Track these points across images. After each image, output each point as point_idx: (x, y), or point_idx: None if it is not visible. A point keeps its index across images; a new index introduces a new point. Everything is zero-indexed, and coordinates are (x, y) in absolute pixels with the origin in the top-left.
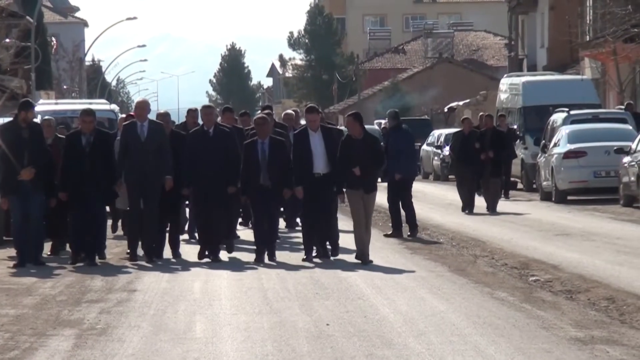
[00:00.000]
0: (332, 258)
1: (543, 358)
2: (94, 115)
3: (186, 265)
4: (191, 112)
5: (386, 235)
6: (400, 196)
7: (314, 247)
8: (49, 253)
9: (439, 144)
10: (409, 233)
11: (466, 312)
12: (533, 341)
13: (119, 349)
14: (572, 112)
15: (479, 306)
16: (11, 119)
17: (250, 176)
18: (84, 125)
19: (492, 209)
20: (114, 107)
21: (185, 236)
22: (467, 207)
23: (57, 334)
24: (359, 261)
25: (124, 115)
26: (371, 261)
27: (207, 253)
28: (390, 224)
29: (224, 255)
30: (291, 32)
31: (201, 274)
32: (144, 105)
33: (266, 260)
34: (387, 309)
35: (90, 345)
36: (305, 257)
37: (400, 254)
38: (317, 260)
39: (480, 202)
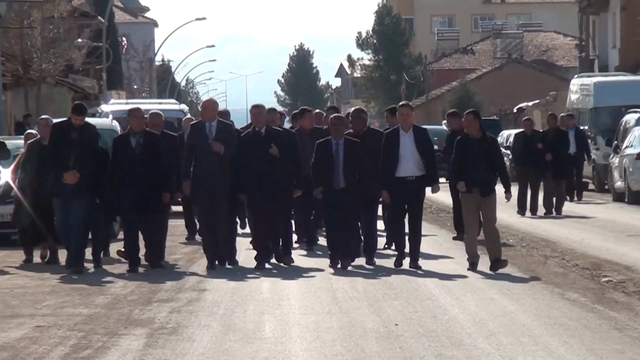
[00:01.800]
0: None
1: (615, 359)
2: (142, 115)
3: (251, 270)
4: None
5: (455, 238)
6: None
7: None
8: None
9: (508, 144)
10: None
11: (536, 313)
12: (605, 342)
13: (189, 348)
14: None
15: (550, 307)
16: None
17: (323, 179)
18: (134, 122)
19: (557, 211)
20: (184, 107)
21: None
22: (522, 209)
23: (128, 333)
24: (470, 271)
25: (189, 116)
26: (505, 261)
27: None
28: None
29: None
30: (359, 33)
31: (269, 275)
32: (211, 105)
33: (340, 266)
34: (456, 310)
35: (161, 344)
36: (396, 263)
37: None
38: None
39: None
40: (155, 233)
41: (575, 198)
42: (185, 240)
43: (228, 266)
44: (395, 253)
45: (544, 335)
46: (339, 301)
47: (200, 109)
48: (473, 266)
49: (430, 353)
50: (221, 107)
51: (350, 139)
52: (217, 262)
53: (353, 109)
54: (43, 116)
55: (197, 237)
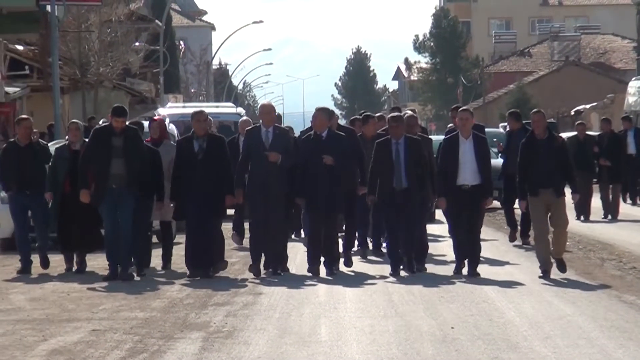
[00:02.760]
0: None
1: None
2: (206, 118)
3: (306, 276)
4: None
5: (512, 240)
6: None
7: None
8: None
9: None
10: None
11: (593, 316)
12: None
13: (245, 352)
14: None
15: (607, 309)
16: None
17: (382, 179)
18: (197, 126)
19: (612, 215)
20: (241, 110)
21: None
22: (580, 213)
23: (184, 337)
24: (543, 280)
25: (244, 118)
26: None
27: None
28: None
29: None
30: (416, 36)
31: (325, 279)
32: (269, 109)
33: (403, 273)
34: (512, 312)
35: (217, 348)
36: (455, 271)
37: (525, 257)
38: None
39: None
40: (216, 238)
41: (629, 201)
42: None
43: (280, 273)
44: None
45: (601, 338)
46: (394, 304)
47: (257, 113)
48: (545, 274)
49: (487, 356)
50: (278, 110)
51: (412, 137)
52: (263, 269)
53: (535, 111)
54: (73, 120)
55: (244, 242)
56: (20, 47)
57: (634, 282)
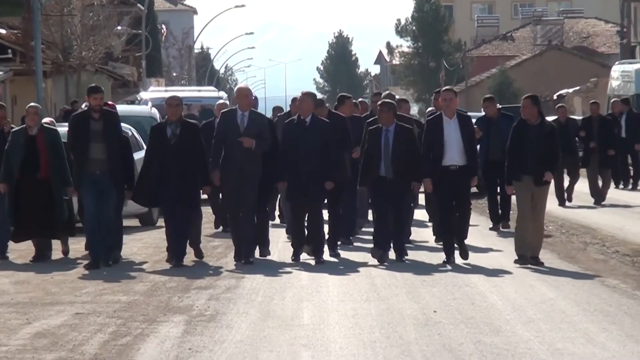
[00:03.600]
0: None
1: None
2: (182, 102)
3: (287, 263)
4: (295, 101)
5: (491, 229)
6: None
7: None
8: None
9: None
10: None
11: (576, 300)
12: None
13: (228, 335)
14: None
15: (590, 293)
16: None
17: (371, 167)
18: (170, 111)
19: (598, 201)
20: (222, 94)
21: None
22: (560, 199)
23: (167, 320)
24: (518, 265)
25: (222, 101)
26: (542, 263)
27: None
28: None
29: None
30: (398, 20)
31: (307, 265)
32: (245, 93)
33: (392, 257)
34: (495, 296)
35: (200, 331)
36: (445, 260)
37: (508, 242)
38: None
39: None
40: (193, 225)
41: (630, 185)
42: (214, 229)
43: (261, 257)
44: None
45: (584, 322)
46: (377, 288)
47: (234, 97)
48: (522, 259)
49: (469, 340)
50: (260, 94)
51: (402, 125)
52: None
53: (526, 96)
54: (32, 104)
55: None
56: (2, 31)
57: (617, 265)
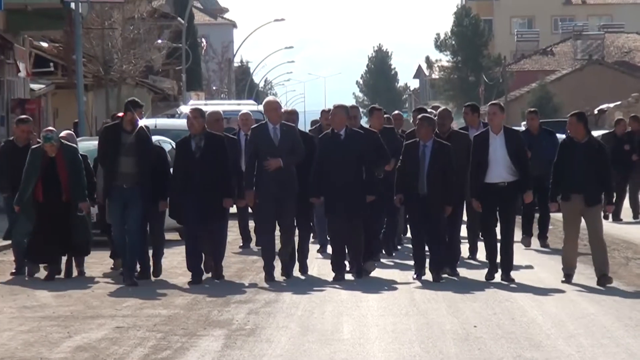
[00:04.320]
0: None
1: None
2: (204, 116)
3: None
4: (325, 114)
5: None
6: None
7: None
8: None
9: None
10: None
11: (617, 315)
12: None
13: (267, 349)
14: None
15: (631, 308)
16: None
17: (408, 183)
18: (192, 123)
19: (636, 214)
20: (262, 107)
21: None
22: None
23: (207, 334)
24: (566, 284)
25: (244, 111)
26: (610, 279)
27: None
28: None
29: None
30: (438, 34)
31: (348, 285)
32: (275, 106)
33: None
34: (535, 311)
35: (239, 345)
36: (487, 276)
37: (547, 257)
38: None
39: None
40: (216, 242)
41: None
42: (239, 248)
43: (302, 277)
44: (480, 263)
45: (626, 337)
46: (416, 303)
47: (264, 111)
48: (568, 278)
49: (509, 355)
50: (299, 108)
51: (440, 141)
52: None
53: (571, 114)
54: (22, 116)
55: (252, 246)
56: (44, 44)
57: None
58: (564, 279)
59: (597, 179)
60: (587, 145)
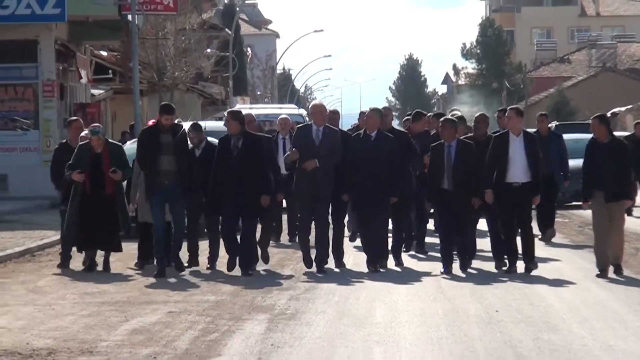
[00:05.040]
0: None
1: None
2: (238, 118)
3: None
4: (363, 115)
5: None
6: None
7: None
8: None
9: None
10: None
11: (627, 301)
12: None
13: (307, 332)
14: None
15: None
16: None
17: (434, 181)
18: (228, 125)
19: None
20: (302, 111)
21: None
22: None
23: (251, 318)
24: (600, 278)
25: (283, 116)
26: (622, 271)
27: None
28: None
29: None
30: (464, 44)
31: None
32: (320, 109)
33: (458, 272)
34: (552, 297)
35: (281, 328)
36: (505, 267)
37: (565, 247)
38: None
39: None
40: (250, 237)
41: None
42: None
43: (335, 269)
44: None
45: (634, 321)
46: (443, 290)
47: (310, 113)
48: (603, 273)
49: (528, 337)
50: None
51: (465, 141)
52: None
53: (594, 116)
54: (73, 117)
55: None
56: (104, 53)
57: None
58: (598, 274)
59: (618, 176)
60: (609, 145)
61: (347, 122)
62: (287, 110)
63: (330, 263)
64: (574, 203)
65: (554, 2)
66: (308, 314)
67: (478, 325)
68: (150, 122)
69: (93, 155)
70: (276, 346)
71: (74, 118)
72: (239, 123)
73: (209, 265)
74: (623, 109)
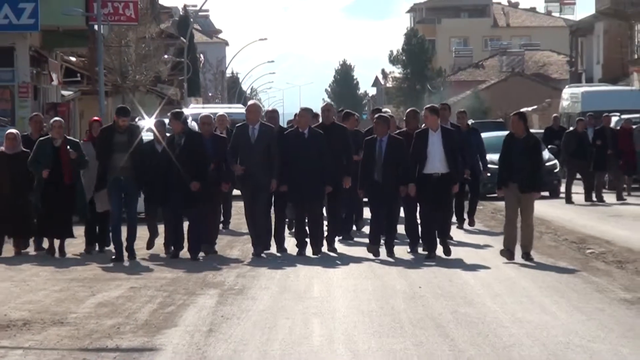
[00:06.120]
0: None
1: (597, 315)
2: (183, 119)
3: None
4: (297, 115)
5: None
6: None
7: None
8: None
9: None
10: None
11: (533, 278)
12: (589, 302)
13: (253, 305)
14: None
15: (544, 273)
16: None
17: (367, 172)
18: (174, 126)
19: (599, 198)
20: None
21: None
22: (569, 199)
23: (204, 293)
24: (504, 258)
25: (221, 113)
26: (532, 258)
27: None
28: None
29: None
30: (391, 51)
31: (309, 260)
32: (255, 109)
33: (383, 255)
34: (468, 276)
35: (230, 302)
36: (427, 254)
37: (481, 233)
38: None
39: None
40: (196, 224)
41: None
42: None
43: (277, 253)
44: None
45: (539, 296)
46: (373, 269)
47: (245, 112)
48: (508, 252)
49: (447, 310)
50: (279, 111)
51: (395, 136)
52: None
53: (514, 113)
54: (56, 118)
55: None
56: (73, 59)
57: (566, 251)
58: (502, 250)
59: (532, 169)
60: (525, 140)
61: (288, 120)
62: (235, 109)
63: (272, 248)
64: (492, 195)
65: (470, 15)
66: (253, 289)
67: (403, 299)
68: (95, 118)
69: (52, 149)
70: (225, 318)
71: (35, 114)
72: (180, 122)
73: (165, 251)
74: (530, 109)
